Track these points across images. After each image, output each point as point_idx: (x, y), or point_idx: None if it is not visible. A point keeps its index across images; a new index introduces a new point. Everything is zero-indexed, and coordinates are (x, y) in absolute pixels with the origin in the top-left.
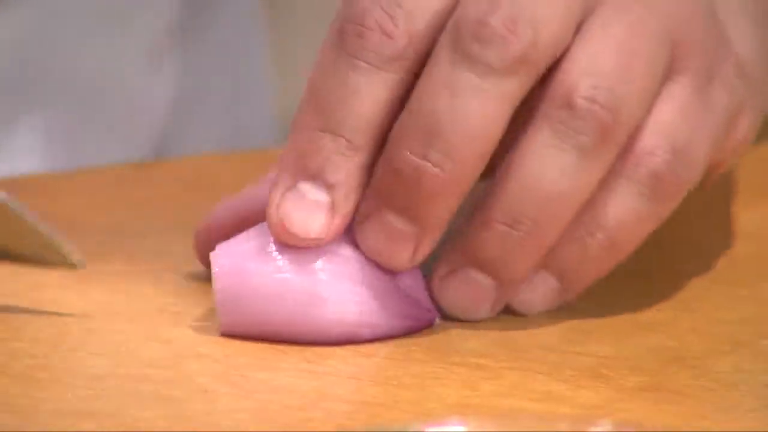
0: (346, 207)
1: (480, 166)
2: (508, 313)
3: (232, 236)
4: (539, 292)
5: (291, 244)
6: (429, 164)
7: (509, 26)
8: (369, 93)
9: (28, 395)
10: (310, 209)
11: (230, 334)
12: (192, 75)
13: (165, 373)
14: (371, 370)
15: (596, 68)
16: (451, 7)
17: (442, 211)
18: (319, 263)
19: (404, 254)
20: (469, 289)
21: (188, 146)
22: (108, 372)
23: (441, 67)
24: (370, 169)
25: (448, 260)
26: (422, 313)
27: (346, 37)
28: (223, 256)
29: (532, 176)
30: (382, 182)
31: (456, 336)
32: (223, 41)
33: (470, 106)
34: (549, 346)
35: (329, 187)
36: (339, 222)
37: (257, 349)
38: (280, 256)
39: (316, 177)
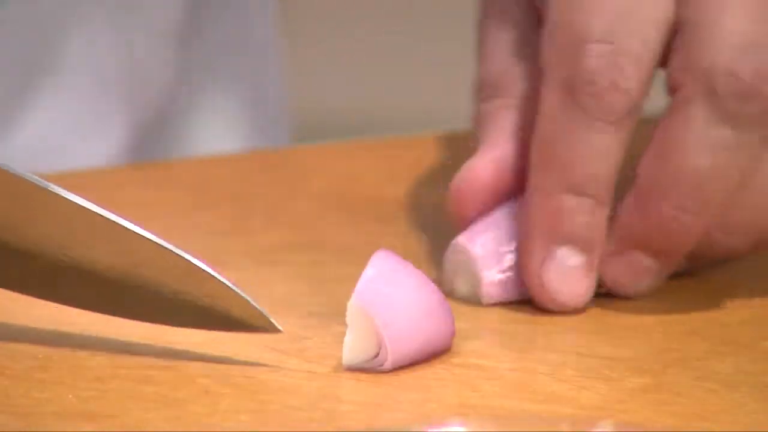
0: (597, 260)
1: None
2: (510, 314)
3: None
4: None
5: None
6: (689, 216)
7: (763, 76)
8: (610, 150)
9: (29, 396)
10: (573, 276)
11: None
12: (201, 69)
13: (166, 374)
14: (372, 371)
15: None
16: (668, 30)
17: (688, 248)
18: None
19: (645, 284)
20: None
21: (200, 141)
22: (109, 373)
23: (696, 122)
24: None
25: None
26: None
27: (580, 97)
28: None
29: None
30: (637, 229)
31: (457, 337)
32: (234, 39)
33: (730, 163)
34: (551, 347)
35: (585, 248)
36: (594, 278)
37: (258, 350)
38: None
39: (571, 240)
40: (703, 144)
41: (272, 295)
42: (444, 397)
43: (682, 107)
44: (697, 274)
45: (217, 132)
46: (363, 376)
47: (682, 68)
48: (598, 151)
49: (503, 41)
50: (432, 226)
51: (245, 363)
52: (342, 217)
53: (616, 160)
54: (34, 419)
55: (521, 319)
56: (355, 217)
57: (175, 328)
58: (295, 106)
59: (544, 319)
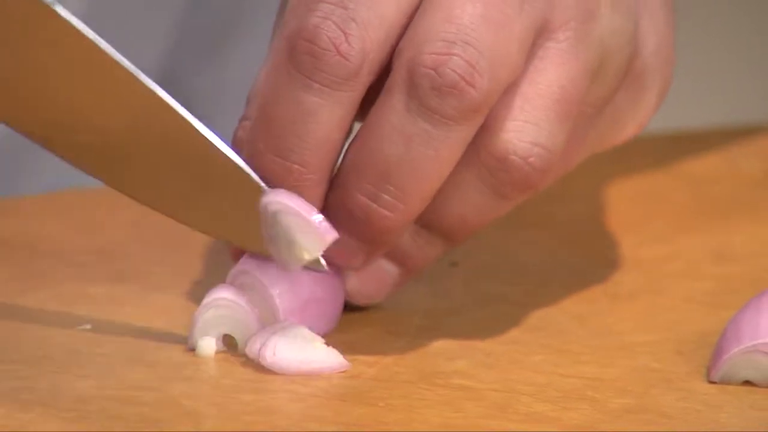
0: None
1: (428, 202)
2: (494, 334)
3: None
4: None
5: None
6: (380, 208)
7: (467, 77)
8: (324, 114)
9: (13, 417)
10: None
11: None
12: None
13: (150, 395)
14: (356, 392)
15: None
16: (407, 18)
17: (392, 239)
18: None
19: (357, 262)
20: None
21: None
22: (93, 394)
23: (395, 112)
24: (330, 182)
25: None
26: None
27: (298, 56)
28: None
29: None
30: (335, 212)
31: (441, 357)
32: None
33: (424, 154)
34: (534, 368)
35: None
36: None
37: (243, 371)
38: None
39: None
40: (397, 133)
41: None
42: (428, 418)
43: (387, 92)
44: (681, 296)
45: None
46: (348, 397)
47: (397, 52)
48: (307, 112)
49: None
50: None
51: (229, 384)
52: None
53: (328, 126)
54: None
55: (505, 339)
56: None
57: (158, 350)
58: None
59: (529, 340)
